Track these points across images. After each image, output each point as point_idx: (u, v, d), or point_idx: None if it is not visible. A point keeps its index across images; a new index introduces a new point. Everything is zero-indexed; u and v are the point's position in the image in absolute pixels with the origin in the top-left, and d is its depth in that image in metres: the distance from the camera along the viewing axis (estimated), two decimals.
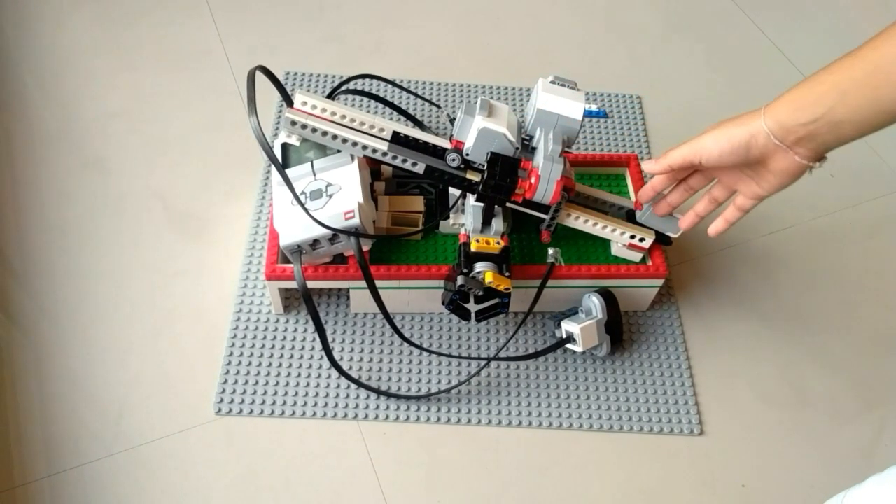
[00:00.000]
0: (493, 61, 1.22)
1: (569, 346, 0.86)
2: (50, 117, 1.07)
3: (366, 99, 1.10)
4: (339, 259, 0.86)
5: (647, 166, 0.77)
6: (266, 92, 0.94)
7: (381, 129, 0.81)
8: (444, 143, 0.82)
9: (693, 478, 0.83)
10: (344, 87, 1.04)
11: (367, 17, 1.27)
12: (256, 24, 1.23)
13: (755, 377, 0.91)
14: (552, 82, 0.81)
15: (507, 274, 0.80)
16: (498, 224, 0.83)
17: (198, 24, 1.22)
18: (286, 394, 0.84)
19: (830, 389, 0.90)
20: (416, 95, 1.08)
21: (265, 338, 0.88)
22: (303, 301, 0.80)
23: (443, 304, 0.82)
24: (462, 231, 0.85)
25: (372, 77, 1.05)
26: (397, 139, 0.81)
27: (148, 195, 1.00)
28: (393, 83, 1.06)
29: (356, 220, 0.79)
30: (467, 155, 0.80)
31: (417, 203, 0.90)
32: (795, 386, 0.90)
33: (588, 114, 0.83)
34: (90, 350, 0.86)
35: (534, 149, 0.81)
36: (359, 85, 1.13)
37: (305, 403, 0.84)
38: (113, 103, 1.10)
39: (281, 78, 1.12)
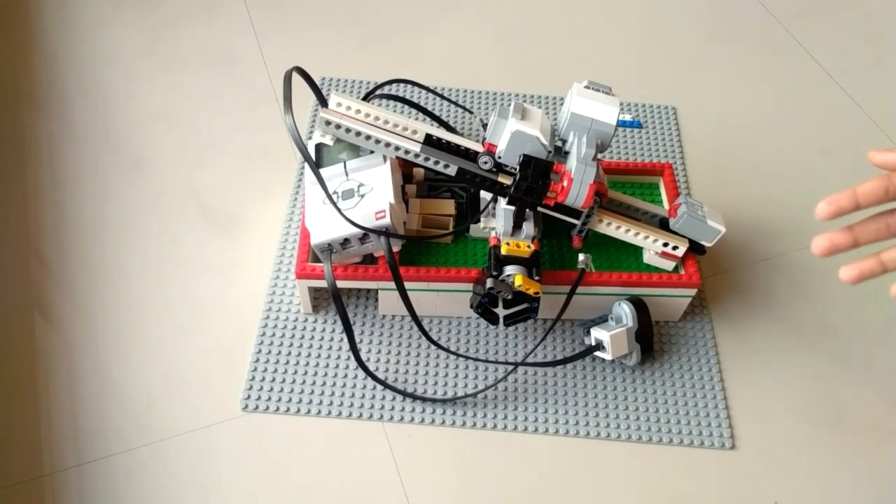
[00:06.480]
0: (528, 70, 1.22)
1: (598, 353, 0.85)
2: (89, 116, 1.09)
3: (399, 104, 1.11)
4: (369, 260, 0.86)
5: (876, 156, 0.56)
6: (301, 96, 0.95)
7: (414, 132, 0.82)
8: (476, 145, 0.82)
9: (723, 493, 0.81)
10: (378, 92, 1.04)
11: (403, 24, 1.28)
12: (294, 29, 1.25)
13: (790, 392, 0.88)
14: (587, 87, 0.81)
15: (536, 278, 0.80)
16: (529, 228, 0.83)
17: (236, 29, 1.24)
18: (312, 392, 0.84)
19: (868, 406, 0.88)
20: (450, 101, 1.08)
21: (293, 336, 0.89)
22: (332, 301, 0.80)
23: (471, 307, 0.82)
24: (492, 234, 0.85)
25: (406, 82, 1.05)
26: (430, 141, 0.82)
27: (183, 193, 1.02)
28: (427, 88, 1.06)
29: (387, 220, 0.79)
30: (499, 158, 0.80)
31: (448, 206, 0.90)
32: (832, 402, 0.88)
33: (622, 124, 0.82)
34: (120, 344, 0.87)
35: (566, 153, 0.80)
36: (393, 90, 1.14)
37: (332, 403, 0.84)
38: (151, 103, 1.12)
39: (317, 83, 1.13)
